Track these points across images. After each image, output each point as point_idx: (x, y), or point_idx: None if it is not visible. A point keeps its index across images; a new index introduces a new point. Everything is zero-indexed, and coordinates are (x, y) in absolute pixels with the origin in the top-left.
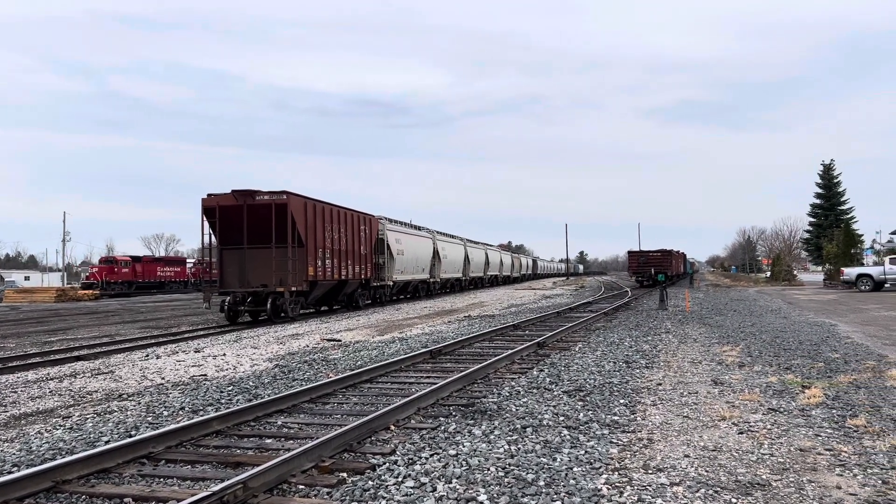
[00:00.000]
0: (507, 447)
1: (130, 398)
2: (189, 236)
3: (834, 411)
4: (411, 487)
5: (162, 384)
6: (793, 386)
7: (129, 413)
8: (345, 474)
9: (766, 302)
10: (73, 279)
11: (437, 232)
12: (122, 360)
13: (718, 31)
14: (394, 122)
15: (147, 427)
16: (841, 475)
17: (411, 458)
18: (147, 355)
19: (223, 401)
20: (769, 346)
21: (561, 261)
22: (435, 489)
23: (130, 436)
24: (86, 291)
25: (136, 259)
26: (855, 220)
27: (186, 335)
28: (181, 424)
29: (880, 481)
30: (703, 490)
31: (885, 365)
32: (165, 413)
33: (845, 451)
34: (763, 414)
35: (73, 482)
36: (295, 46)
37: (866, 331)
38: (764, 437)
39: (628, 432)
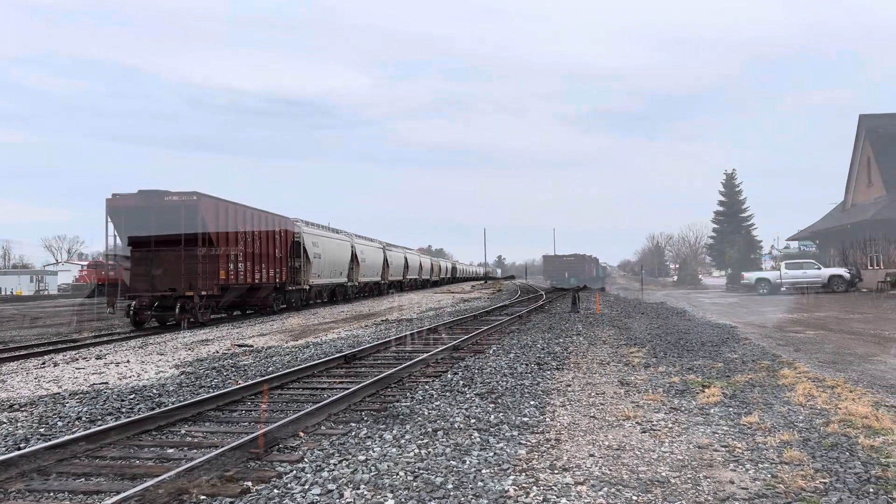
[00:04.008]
0: (417, 451)
1: (22, 409)
2: (93, 238)
3: (731, 409)
4: (318, 495)
5: (58, 393)
6: (694, 386)
7: (19, 424)
8: (249, 483)
9: (672, 304)
10: None
11: (356, 235)
12: (14, 368)
13: (637, 43)
14: (313, 122)
15: (38, 439)
16: (734, 470)
17: (319, 465)
18: (43, 363)
19: (124, 410)
20: (673, 348)
21: (480, 264)
22: (342, 495)
23: (19, 448)
24: None
25: None
26: (755, 227)
27: (88, 341)
28: (76, 435)
29: (770, 475)
30: (605, 489)
31: (778, 364)
32: (60, 424)
33: (739, 448)
34: (665, 413)
35: None
36: (211, 42)
37: (763, 332)
38: (665, 436)
39: (537, 433)
